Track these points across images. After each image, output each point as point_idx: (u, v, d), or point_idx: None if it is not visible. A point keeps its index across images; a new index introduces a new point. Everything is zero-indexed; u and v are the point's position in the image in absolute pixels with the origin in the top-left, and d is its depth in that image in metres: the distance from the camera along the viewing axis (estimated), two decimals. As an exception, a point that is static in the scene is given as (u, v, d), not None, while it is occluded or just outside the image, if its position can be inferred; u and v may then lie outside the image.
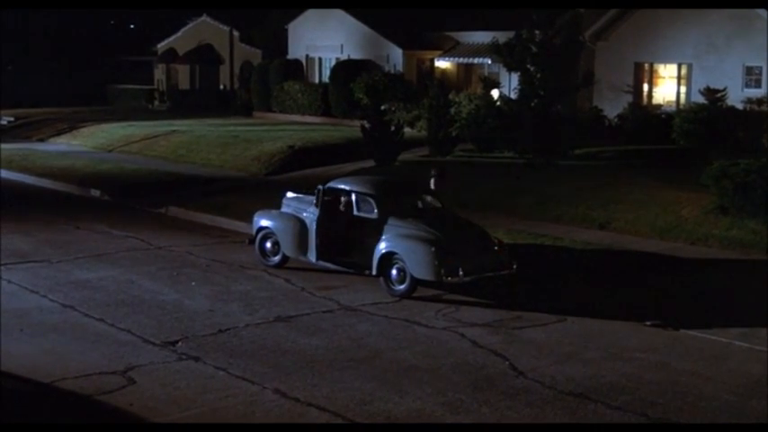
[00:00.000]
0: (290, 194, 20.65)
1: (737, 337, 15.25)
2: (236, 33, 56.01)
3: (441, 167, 21.74)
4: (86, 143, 42.65)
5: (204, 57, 59.37)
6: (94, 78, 65.01)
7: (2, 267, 19.42)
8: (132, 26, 75.41)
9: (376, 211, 18.26)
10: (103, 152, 39.77)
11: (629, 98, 36.63)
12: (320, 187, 19.19)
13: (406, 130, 34.11)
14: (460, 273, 17.18)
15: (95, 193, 30.06)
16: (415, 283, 17.47)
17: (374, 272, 17.93)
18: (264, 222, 20.15)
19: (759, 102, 32.88)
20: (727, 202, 22.24)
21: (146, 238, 22.85)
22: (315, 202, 19.22)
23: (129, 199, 28.59)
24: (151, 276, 19.05)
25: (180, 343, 14.72)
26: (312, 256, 19.06)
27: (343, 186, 19.17)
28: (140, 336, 15.06)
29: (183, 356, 14.10)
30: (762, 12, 33.11)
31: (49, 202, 28.84)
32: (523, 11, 32.86)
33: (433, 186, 21.07)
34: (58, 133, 46.11)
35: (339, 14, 47.87)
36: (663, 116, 34.33)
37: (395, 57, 45.73)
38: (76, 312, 16.35)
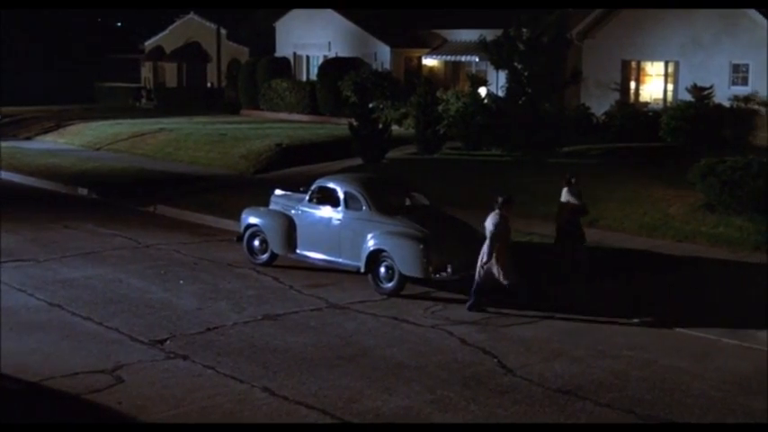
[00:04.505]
0: (278, 192, 20.66)
1: (725, 334, 15.29)
2: (223, 31, 55.92)
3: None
4: (74, 141, 42.57)
5: (191, 54, 59.26)
6: (82, 76, 64.81)
7: (-11, 266, 19.38)
8: (119, 24, 75.24)
9: (364, 208, 18.27)
10: (91, 150, 39.69)
11: (617, 96, 36.70)
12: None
13: (394, 127, 34.12)
14: (449, 270, 17.23)
15: (83, 191, 29.99)
16: (404, 280, 17.49)
17: (362, 269, 17.95)
18: (252, 220, 20.14)
19: (746, 99, 32.97)
20: (713, 199, 22.30)
21: (133, 236, 22.81)
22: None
23: (116, 197, 28.54)
24: (139, 275, 19.02)
25: (168, 341, 14.71)
26: None
27: (331, 184, 19.18)
28: (128, 334, 15.04)
29: (171, 355, 14.09)
30: (748, 10, 33.21)
31: (37, 201, 28.76)
32: (511, 10, 32.91)
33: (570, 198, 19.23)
34: (46, 131, 46.00)
35: (327, 12, 47.84)
36: (650, 114, 34.40)
37: (382, 54, 45.70)
38: (64, 311, 16.32)
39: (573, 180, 19.22)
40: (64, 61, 66.73)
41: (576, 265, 18.59)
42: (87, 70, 66.04)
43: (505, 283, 16.63)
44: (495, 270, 16.56)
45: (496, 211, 16.71)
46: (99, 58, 67.64)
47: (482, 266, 16.65)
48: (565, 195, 19.17)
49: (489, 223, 16.69)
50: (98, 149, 39.86)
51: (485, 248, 16.67)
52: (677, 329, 15.63)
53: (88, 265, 19.79)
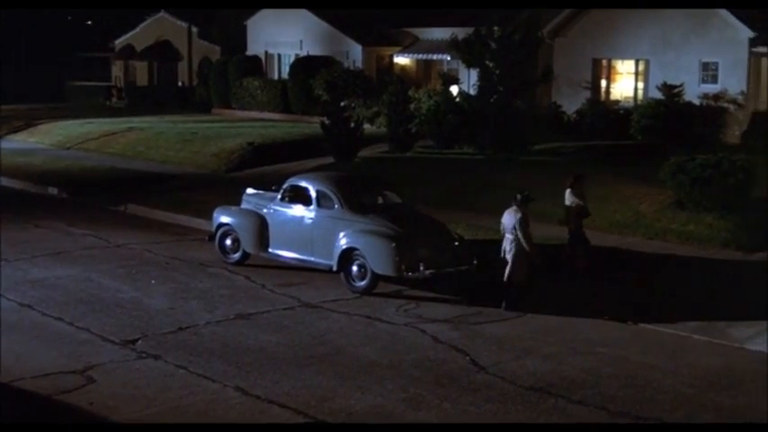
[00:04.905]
0: (249, 191, 20.61)
1: (696, 330, 15.40)
2: (194, 29, 55.70)
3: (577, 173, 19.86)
4: (44, 140, 42.28)
5: (162, 53, 58.96)
6: (52, 75, 64.36)
7: (-42, 266, 19.22)
8: (89, 22, 74.78)
9: (337, 206, 18.27)
10: (61, 149, 39.43)
11: (588, 94, 36.83)
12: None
13: (366, 126, 34.10)
14: (421, 268, 17.23)
15: (53, 190, 29.80)
16: (376, 278, 17.49)
17: (335, 268, 17.93)
18: (224, 219, 20.08)
19: (715, 97, 33.22)
20: (684, 197, 22.45)
21: (104, 235, 22.68)
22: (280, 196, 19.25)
23: (87, 197, 28.38)
24: (110, 274, 18.92)
25: (139, 341, 14.65)
26: None
27: (303, 183, 19.15)
28: (99, 334, 14.96)
29: (143, 355, 14.03)
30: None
31: (6, 200, 28.51)
32: (483, 10, 32.97)
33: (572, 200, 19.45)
34: (15, 130, 45.63)
35: (298, 11, 47.71)
36: (621, 112, 34.58)
37: (354, 53, 45.66)
38: (34, 311, 16.21)
39: (574, 181, 19.28)
40: (34, 60, 66.24)
41: (576, 266, 18.70)
42: (57, 69, 65.58)
43: (506, 279, 16.69)
44: (508, 268, 16.66)
45: (514, 207, 16.73)
46: (69, 57, 67.20)
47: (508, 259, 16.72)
48: (569, 198, 19.25)
49: (507, 221, 16.74)
50: (68, 148, 39.60)
51: (506, 245, 16.71)
52: (648, 326, 15.71)
53: (59, 264, 19.67)
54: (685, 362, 14.01)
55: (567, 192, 19.28)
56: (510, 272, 16.64)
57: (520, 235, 16.49)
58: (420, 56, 44.77)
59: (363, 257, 17.53)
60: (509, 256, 16.65)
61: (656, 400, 12.44)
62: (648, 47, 35.67)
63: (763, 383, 13.09)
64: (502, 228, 16.84)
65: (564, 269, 18.75)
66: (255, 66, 49.10)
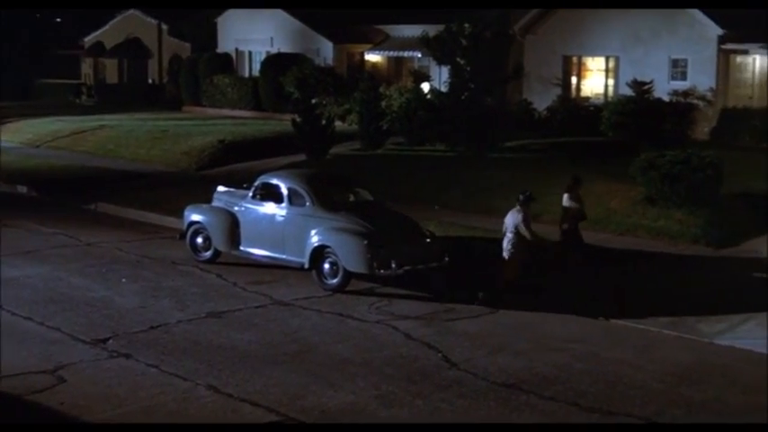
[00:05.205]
0: (221, 188, 20.56)
1: (666, 325, 15.50)
2: (164, 27, 55.46)
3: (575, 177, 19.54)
4: (13, 139, 41.90)
5: (132, 50, 58.66)
6: (20, 73, 63.81)
7: (-74, 266, 19.06)
8: (59, 19, 74.26)
9: (308, 204, 18.25)
10: (30, 148, 39.13)
11: (558, 91, 36.97)
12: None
13: (337, 123, 34.08)
14: (393, 265, 17.25)
15: (22, 189, 29.60)
16: (348, 276, 17.49)
17: (306, 265, 17.92)
18: (195, 217, 20.02)
19: (685, 94, 33.43)
20: (654, 193, 22.58)
21: (74, 234, 22.55)
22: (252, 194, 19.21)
23: (57, 195, 28.20)
24: (80, 273, 18.82)
25: (110, 340, 14.58)
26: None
27: (275, 180, 19.12)
28: (70, 334, 14.88)
29: (114, 354, 13.97)
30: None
31: (-25, 199, 28.35)
32: (454, 10, 32.98)
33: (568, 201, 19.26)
34: (-17, 129, 45.30)
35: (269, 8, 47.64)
36: (591, 109, 34.73)
37: (325, 50, 45.59)
38: (4, 311, 16.08)
39: (572, 185, 19.26)
40: (1, 58, 65.64)
41: (566, 265, 18.71)
42: (26, 66, 65.01)
43: (501, 276, 16.82)
44: (503, 265, 16.77)
45: (518, 207, 16.88)
46: (38, 55, 66.63)
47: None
48: (566, 201, 19.26)
49: (509, 220, 16.87)
50: (38, 147, 39.33)
51: (505, 243, 16.80)
52: (619, 322, 15.80)
53: (28, 263, 19.54)
54: (656, 357, 14.09)
55: (565, 195, 19.35)
56: (503, 269, 16.74)
57: (524, 233, 16.67)
58: (391, 53, 44.76)
59: (335, 255, 17.53)
60: (506, 254, 16.77)
61: (627, 395, 12.51)
62: (618, 44, 35.84)
63: (731, 378, 13.20)
64: (504, 227, 16.98)
65: (557, 266, 18.78)
66: (226, 63, 48.96)
